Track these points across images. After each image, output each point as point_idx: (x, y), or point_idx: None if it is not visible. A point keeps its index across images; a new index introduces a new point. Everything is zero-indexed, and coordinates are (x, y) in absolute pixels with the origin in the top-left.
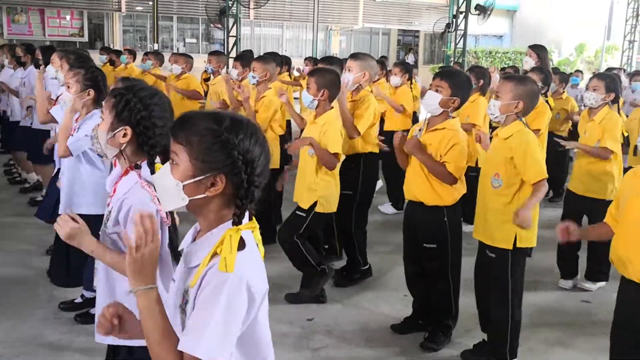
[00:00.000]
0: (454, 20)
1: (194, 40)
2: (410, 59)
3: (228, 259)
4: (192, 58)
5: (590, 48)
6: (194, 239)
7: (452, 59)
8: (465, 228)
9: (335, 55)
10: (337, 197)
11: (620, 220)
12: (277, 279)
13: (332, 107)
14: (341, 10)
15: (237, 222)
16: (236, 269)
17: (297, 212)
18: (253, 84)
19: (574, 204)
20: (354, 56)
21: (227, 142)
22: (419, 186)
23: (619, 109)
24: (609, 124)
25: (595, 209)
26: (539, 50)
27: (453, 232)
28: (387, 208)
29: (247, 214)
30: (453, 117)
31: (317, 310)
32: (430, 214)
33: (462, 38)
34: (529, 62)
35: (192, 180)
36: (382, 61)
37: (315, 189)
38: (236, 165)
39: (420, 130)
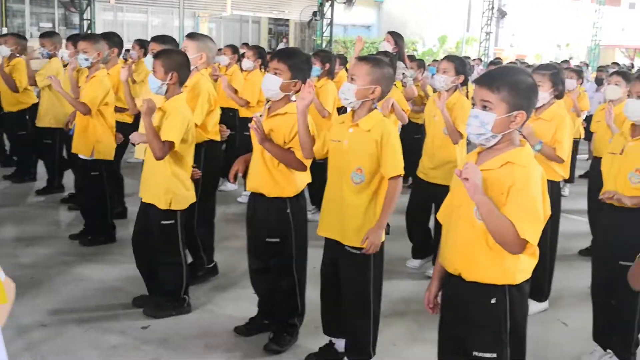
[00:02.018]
0: (321, 8)
1: (50, 25)
2: (282, 47)
3: None
4: (25, 40)
5: (452, 39)
6: None
7: (322, 47)
8: (312, 217)
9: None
10: (190, 190)
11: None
12: (115, 282)
13: (182, 92)
14: None
15: None
16: None
17: (162, 222)
18: (86, 66)
19: (421, 191)
20: (191, 36)
21: None
22: (260, 177)
23: (467, 93)
24: (462, 110)
25: (441, 196)
26: (396, 38)
27: (297, 224)
28: (246, 198)
29: None
30: (293, 101)
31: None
32: (272, 206)
33: (329, 27)
34: (385, 47)
35: None
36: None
37: (171, 187)
38: None
39: (261, 115)
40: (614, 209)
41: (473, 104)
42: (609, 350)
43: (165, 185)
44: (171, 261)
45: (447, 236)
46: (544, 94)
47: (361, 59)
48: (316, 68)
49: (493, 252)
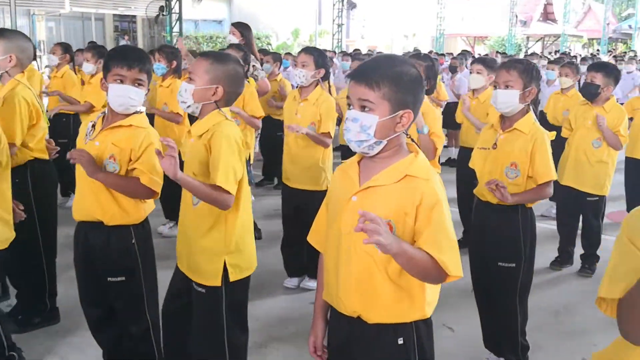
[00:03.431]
0: (168, 3)
1: None
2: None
3: None
4: None
5: (304, 32)
6: None
7: (174, 44)
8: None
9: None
10: (9, 223)
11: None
12: None
13: None
14: None
15: None
16: None
17: None
18: None
19: (290, 197)
20: None
21: None
22: (97, 201)
23: (329, 88)
24: (325, 105)
25: (311, 201)
26: (242, 29)
27: (144, 255)
28: None
29: None
30: (140, 112)
31: None
32: (112, 237)
33: (178, 22)
34: (232, 40)
35: None
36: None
37: None
38: None
39: (93, 126)
40: (488, 208)
41: (349, 105)
42: (502, 358)
43: None
44: None
45: (336, 271)
46: None
47: (202, 54)
48: (161, 66)
49: (397, 286)
